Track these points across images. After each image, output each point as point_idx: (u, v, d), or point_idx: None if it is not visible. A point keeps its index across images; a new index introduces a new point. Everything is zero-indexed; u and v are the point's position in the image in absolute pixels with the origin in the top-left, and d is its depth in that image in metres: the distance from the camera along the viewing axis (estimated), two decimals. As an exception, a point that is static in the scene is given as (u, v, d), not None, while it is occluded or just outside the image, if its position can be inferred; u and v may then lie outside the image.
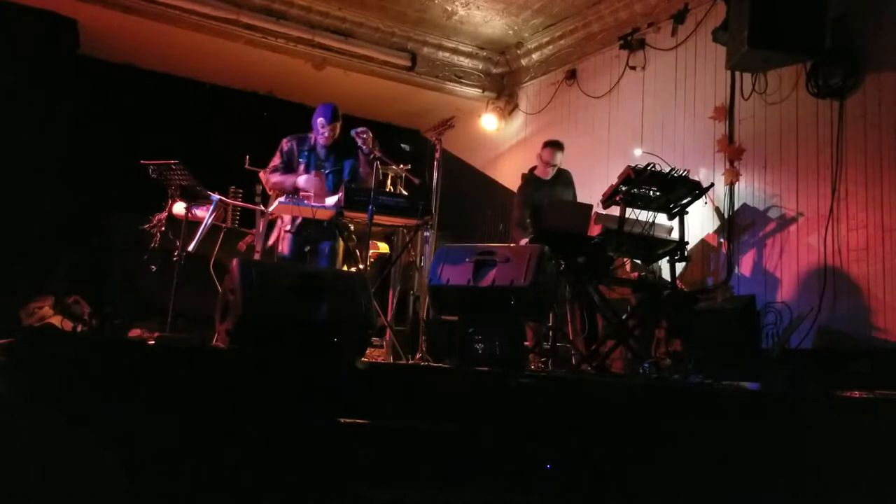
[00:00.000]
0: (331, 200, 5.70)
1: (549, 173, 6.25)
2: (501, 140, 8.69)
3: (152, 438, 2.50)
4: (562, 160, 6.31)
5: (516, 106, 8.57)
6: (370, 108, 8.57)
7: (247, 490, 2.60)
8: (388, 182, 6.44)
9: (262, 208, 5.88)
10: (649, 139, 6.77)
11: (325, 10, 7.60)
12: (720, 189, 6.05)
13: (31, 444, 2.33)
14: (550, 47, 8.05)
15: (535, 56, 8.26)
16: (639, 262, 5.73)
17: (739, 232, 5.95)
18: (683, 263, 5.41)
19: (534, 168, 6.37)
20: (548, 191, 6.12)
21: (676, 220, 5.24)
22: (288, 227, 5.47)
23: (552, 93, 8.02)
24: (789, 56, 5.46)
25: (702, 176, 5.95)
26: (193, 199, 5.54)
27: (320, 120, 5.43)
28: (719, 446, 3.35)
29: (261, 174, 5.57)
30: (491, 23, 7.88)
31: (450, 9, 7.63)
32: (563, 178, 6.34)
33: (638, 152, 6.65)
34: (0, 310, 5.72)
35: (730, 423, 3.47)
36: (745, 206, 5.95)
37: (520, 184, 6.46)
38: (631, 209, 5.05)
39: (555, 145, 6.28)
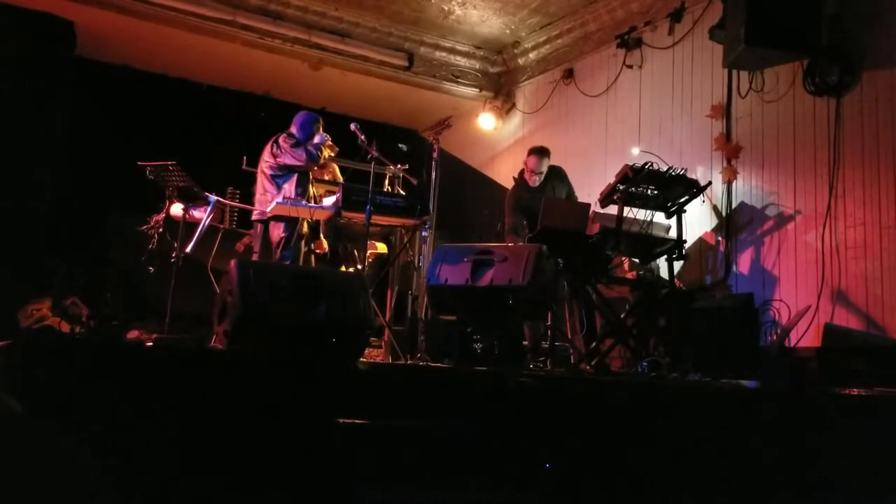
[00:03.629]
0: (328, 201, 5.73)
1: (536, 181, 6.05)
2: (499, 139, 8.69)
3: (150, 440, 2.50)
4: (548, 165, 6.16)
5: (513, 105, 8.57)
6: (367, 107, 8.57)
7: (246, 491, 2.60)
8: (386, 182, 6.44)
9: (261, 209, 5.88)
10: (647, 138, 6.77)
11: (322, 11, 7.59)
12: (718, 187, 6.05)
13: (27, 447, 2.33)
14: (547, 46, 8.05)
15: (532, 55, 8.26)
16: (637, 260, 5.72)
17: (737, 230, 5.95)
18: (681, 262, 5.40)
19: (523, 171, 6.29)
20: (538, 195, 6.01)
21: (674, 218, 5.24)
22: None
23: (549, 92, 8.02)
24: (786, 54, 5.47)
25: (699, 174, 5.95)
26: (191, 200, 5.54)
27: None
28: (718, 444, 3.35)
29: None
30: (488, 22, 7.88)
31: (446, 8, 7.63)
32: (555, 177, 6.19)
33: (635, 151, 6.65)
34: (-2, 312, 5.72)
35: (728, 422, 3.47)
36: (742, 204, 5.95)
37: (511, 188, 6.28)
38: (629, 208, 5.05)
39: (540, 153, 6.08)
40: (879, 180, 5.10)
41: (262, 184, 5.81)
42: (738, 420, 3.49)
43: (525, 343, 5.48)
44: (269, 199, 5.70)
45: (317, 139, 5.86)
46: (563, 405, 3.24)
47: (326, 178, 6.41)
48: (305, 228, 5.80)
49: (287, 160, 5.72)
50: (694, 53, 6.51)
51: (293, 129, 5.91)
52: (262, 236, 5.82)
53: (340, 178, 6.42)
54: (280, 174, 5.76)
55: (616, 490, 3.13)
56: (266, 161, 5.81)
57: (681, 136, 6.51)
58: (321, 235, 6.07)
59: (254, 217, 5.91)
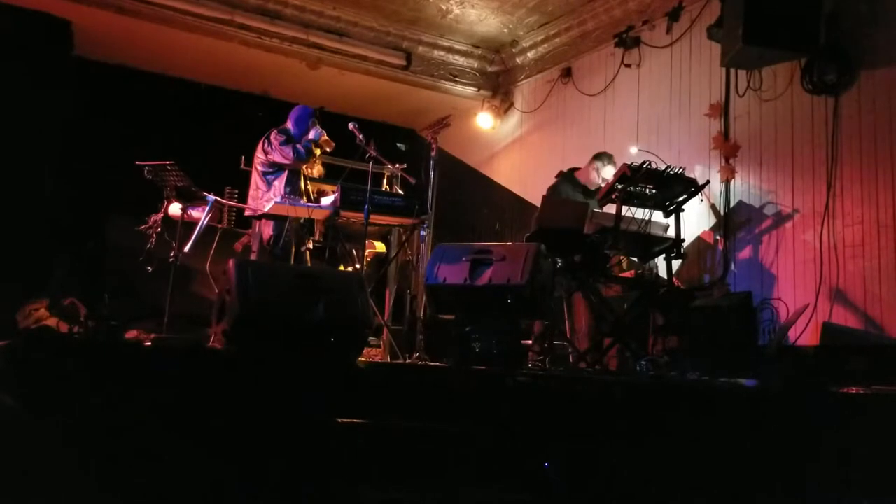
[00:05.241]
0: (327, 200, 5.73)
1: (597, 184, 5.95)
2: (497, 138, 8.69)
3: (149, 440, 2.50)
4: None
5: (512, 104, 8.56)
6: (365, 107, 8.56)
7: (245, 491, 2.60)
8: (384, 181, 6.44)
9: (252, 206, 5.87)
10: (645, 137, 6.77)
11: (320, 10, 7.59)
12: (716, 186, 6.05)
13: (26, 447, 2.33)
14: (545, 45, 8.05)
15: (530, 54, 8.26)
16: (635, 259, 5.73)
17: (735, 229, 5.95)
18: (680, 261, 5.40)
19: (574, 169, 6.17)
20: (589, 195, 5.95)
21: (672, 217, 5.24)
22: None
23: (547, 91, 8.02)
24: (784, 53, 5.46)
25: (697, 173, 5.95)
26: (189, 199, 5.55)
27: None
28: (716, 443, 3.36)
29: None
30: (486, 21, 7.88)
31: (444, 7, 7.62)
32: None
33: (634, 150, 6.63)
34: (-4, 312, 5.71)
35: (727, 420, 3.48)
36: (740, 202, 5.95)
37: (554, 183, 6.14)
38: (627, 207, 5.05)
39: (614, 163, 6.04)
40: (877, 179, 5.10)
41: (255, 180, 5.82)
42: (736, 419, 3.49)
43: (525, 343, 5.49)
44: (259, 196, 5.69)
45: (312, 134, 5.83)
46: (561, 405, 3.24)
47: (315, 174, 6.37)
48: None
49: (276, 157, 5.71)
50: (692, 52, 6.50)
51: (288, 124, 5.90)
52: (260, 235, 5.82)
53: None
54: (271, 171, 5.76)
55: (615, 489, 3.14)
56: (258, 157, 5.81)
57: (679, 135, 6.51)
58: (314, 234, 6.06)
59: (246, 214, 5.91)
